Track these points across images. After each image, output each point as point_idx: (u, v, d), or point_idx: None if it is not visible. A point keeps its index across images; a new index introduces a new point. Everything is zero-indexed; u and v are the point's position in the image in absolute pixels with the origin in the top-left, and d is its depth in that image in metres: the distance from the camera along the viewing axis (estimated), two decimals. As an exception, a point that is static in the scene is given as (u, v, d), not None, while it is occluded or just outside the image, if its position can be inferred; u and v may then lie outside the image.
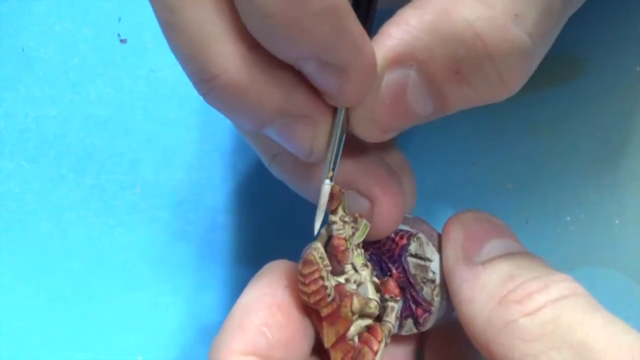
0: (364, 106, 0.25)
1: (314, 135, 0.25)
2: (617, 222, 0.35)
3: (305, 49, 0.22)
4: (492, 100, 0.25)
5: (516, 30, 0.22)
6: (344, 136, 0.26)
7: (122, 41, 0.40)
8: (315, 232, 0.26)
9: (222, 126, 0.39)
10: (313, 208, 0.27)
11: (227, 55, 0.23)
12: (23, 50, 0.39)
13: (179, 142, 0.39)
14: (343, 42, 0.22)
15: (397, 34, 0.23)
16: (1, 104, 0.39)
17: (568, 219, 0.36)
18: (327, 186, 0.26)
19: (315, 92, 0.24)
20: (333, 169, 0.26)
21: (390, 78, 0.24)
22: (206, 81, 0.23)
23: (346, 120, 0.25)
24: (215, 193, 0.39)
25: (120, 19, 0.40)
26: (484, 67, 0.23)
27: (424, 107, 0.25)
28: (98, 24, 0.40)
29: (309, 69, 0.23)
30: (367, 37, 0.23)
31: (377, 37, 0.24)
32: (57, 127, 0.39)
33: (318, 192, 0.26)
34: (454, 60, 0.23)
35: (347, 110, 0.25)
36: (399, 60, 0.24)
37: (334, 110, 0.25)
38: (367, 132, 0.25)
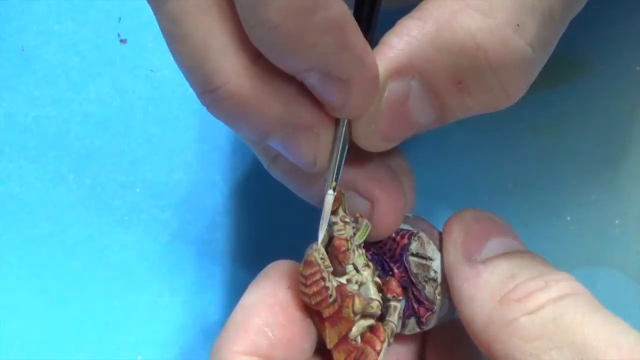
0: (366, 117, 0.25)
1: (316, 147, 0.25)
2: (617, 222, 0.36)
3: (309, 61, 0.22)
4: (493, 109, 0.25)
5: (517, 41, 0.23)
6: (347, 146, 0.26)
7: (122, 41, 0.40)
8: (319, 241, 0.26)
9: (221, 126, 0.39)
10: (313, 208, 0.27)
11: (230, 66, 0.23)
12: (23, 50, 0.39)
13: (178, 142, 0.39)
14: (346, 55, 0.22)
15: (399, 44, 0.23)
16: (1, 104, 0.39)
17: (568, 219, 0.36)
18: (330, 197, 0.26)
19: (317, 103, 0.25)
20: (336, 180, 0.26)
21: (392, 89, 0.24)
22: (209, 92, 0.23)
23: (348, 131, 0.25)
24: (215, 193, 0.39)
25: (120, 19, 0.40)
26: (486, 77, 0.23)
27: (426, 116, 0.25)
28: (98, 24, 0.40)
29: (312, 81, 0.23)
30: (369, 49, 0.23)
31: (378, 48, 0.24)
32: (57, 127, 0.39)
33: (318, 194, 0.27)
34: (455, 71, 0.23)
35: (350, 120, 0.25)
36: (401, 71, 0.24)
37: (337, 121, 0.25)
38: (369, 142, 0.26)
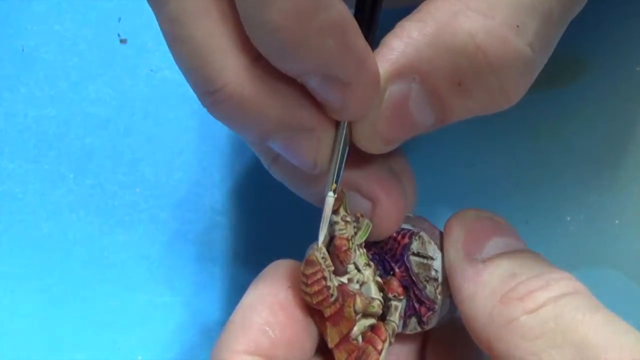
0: (366, 119, 0.25)
1: (317, 148, 0.25)
2: (617, 222, 0.36)
3: (310, 64, 0.22)
4: (494, 110, 0.25)
5: (517, 42, 0.23)
6: (347, 148, 0.26)
7: (122, 41, 0.40)
8: (320, 243, 0.26)
9: (221, 126, 0.39)
10: (313, 208, 0.27)
11: (231, 67, 0.23)
12: (23, 50, 0.39)
13: (178, 142, 0.39)
14: (347, 58, 0.22)
15: (399, 46, 0.23)
16: (1, 104, 0.39)
17: (568, 219, 0.36)
18: (330, 198, 0.26)
19: (318, 105, 0.25)
20: (336, 181, 0.26)
21: (392, 91, 0.24)
22: (209, 93, 0.23)
23: (349, 133, 0.25)
24: (214, 193, 0.39)
25: (120, 19, 0.40)
26: (486, 78, 0.23)
27: (426, 118, 0.25)
28: (98, 24, 0.40)
29: (313, 83, 0.23)
30: (370, 52, 0.23)
31: (379, 50, 0.24)
32: (57, 127, 0.39)
33: (318, 194, 0.26)
34: (455, 72, 0.23)
35: (350, 122, 0.25)
36: (401, 73, 0.24)
37: (337, 123, 0.25)
38: (370, 144, 0.25)
